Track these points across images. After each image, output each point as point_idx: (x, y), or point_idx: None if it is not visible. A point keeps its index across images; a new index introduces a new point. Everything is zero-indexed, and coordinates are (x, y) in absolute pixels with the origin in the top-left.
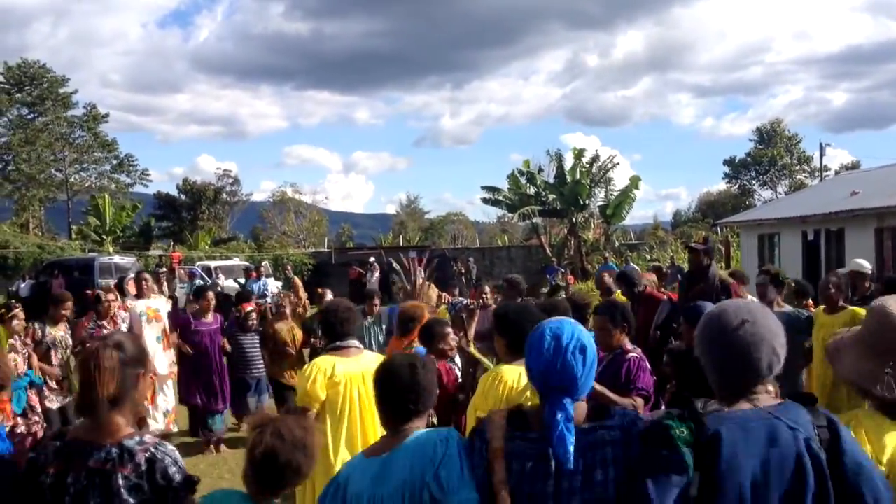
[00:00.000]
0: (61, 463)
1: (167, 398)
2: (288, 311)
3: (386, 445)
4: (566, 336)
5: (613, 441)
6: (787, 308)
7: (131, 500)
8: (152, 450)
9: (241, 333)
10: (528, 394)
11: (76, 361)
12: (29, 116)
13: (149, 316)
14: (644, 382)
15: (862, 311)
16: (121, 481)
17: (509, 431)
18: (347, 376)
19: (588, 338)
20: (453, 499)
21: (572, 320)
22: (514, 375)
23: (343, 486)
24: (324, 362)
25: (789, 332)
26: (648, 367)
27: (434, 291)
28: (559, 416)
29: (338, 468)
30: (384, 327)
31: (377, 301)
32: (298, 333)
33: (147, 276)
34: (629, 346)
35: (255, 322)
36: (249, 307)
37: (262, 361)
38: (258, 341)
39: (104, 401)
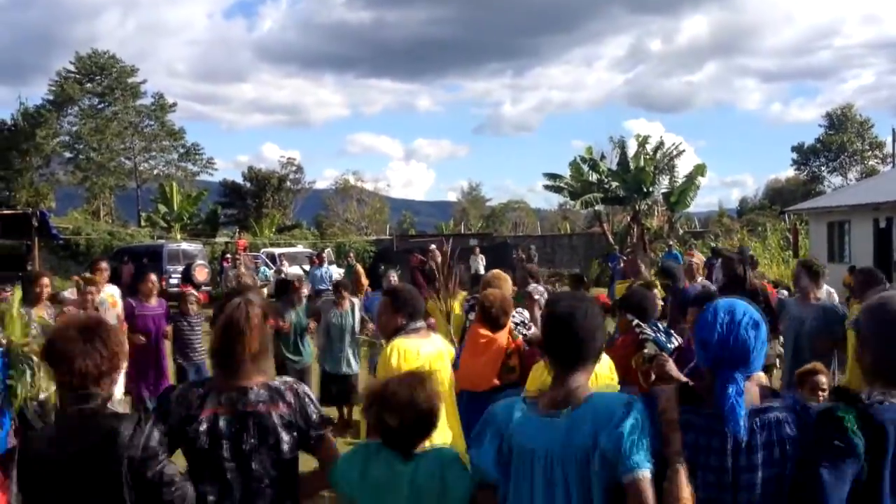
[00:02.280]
0: (212, 408)
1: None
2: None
3: (558, 403)
4: (739, 312)
5: (788, 422)
6: (823, 301)
7: (286, 437)
8: (296, 387)
9: (181, 318)
10: None
11: (219, 317)
12: (99, 106)
13: (109, 303)
14: None
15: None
16: (276, 419)
17: (681, 405)
18: (430, 357)
19: (759, 315)
20: (628, 462)
21: (742, 300)
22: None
23: (507, 434)
24: (404, 344)
25: (825, 323)
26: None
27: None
28: (731, 390)
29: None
30: (358, 316)
31: (347, 294)
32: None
33: (105, 264)
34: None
35: (192, 306)
36: (189, 290)
37: (201, 347)
38: (199, 326)
39: (249, 354)
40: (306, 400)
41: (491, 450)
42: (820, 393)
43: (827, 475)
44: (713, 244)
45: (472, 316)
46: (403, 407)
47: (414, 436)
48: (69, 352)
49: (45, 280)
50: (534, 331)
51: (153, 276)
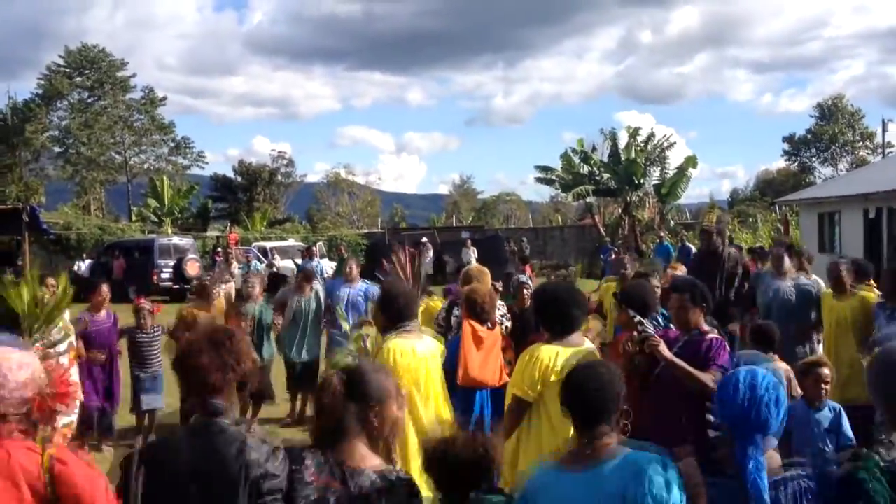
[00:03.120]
0: (327, 479)
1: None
2: (221, 297)
3: (585, 458)
4: (760, 388)
5: (811, 490)
6: (802, 279)
7: None
8: (410, 483)
9: (137, 332)
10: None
11: (321, 388)
12: (89, 100)
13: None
14: (724, 360)
15: (871, 296)
16: None
17: (704, 475)
18: (425, 356)
19: (779, 385)
20: None
21: (763, 369)
22: (552, 355)
23: (532, 497)
24: (400, 344)
25: (802, 302)
26: (728, 347)
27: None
28: (751, 465)
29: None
30: (321, 303)
31: (312, 282)
32: (221, 321)
33: (52, 280)
34: (706, 326)
35: (147, 320)
36: (142, 302)
37: (159, 359)
38: (157, 338)
39: (361, 430)
40: (414, 499)
41: None
42: (823, 385)
43: None
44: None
45: (456, 312)
46: (468, 466)
47: (470, 489)
48: (203, 370)
49: (51, 280)
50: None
51: (105, 288)
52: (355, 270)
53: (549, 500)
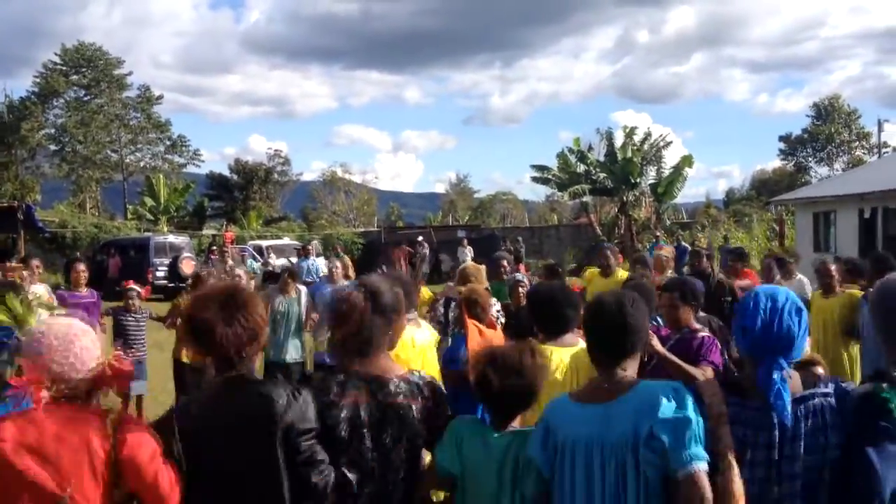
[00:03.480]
0: (354, 396)
1: None
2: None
3: (604, 392)
4: (781, 298)
5: (831, 407)
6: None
7: (423, 432)
8: (433, 385)
9: (124, 313)
10: (558, 375)
11: (345, 302)
12: (85, 98)
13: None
14: (715, 357)
15: (858, 293)
16: (416, 413)
17: (726, 397)
18: (423, 346)
19: (800, 301)
20: (684, 453)
21: (784, 287)
22: (546, 354)
23: (552, 431)
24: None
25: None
26: (719, 346)
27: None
28: (776, 377)
29: None
30: (304, 305)
31: (293, 281)
32: None
33: (37, 261)
34: (697, 325)
35: (135, 301)
36: (131, 284)
37: (144, 343)
38: (143, 322)
39: (389, 344)
40: (441, 399)
41: (538, 441)
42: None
43: (875, 457)
44: (699, 235)
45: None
46: (510, 370)
47: (512, 404)
48: (210, 323)
49: (81, 266)
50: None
51: (81, 266)
52: (341, 270)
53: (567, 434)
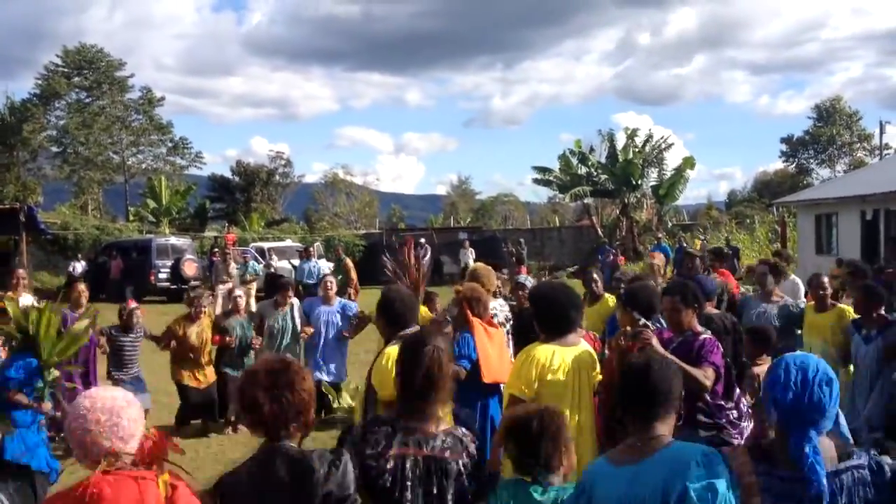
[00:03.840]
0: (400, 447)
1: None
2: (205, 310)
3: (636, 452)
4: (812, 369)
5: (864, 482)
6: (787, 300)
7: (466, 486)
8: (476, 440)
9: (121, 332)
10: (560, 376)
11: (401, 355)
12: (86, 100)
13: None
14: (715, 358)
15: (849, 309)
16: (460, 467)
17: (755, 466)
18: None
19: (830, 370)
20: None
21: (814, 355)
22: (548, 354)
23: (587, 491)
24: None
25: (786, 322)
26: (720, 347)
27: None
28: (808, 449)
29: None
30: (299, 320)
31: (291, 292)
32: (207, 335)
33: (22, 272)
34: (699, 328)
35: (139, 320)
36: (133, 304)
37: (137, 362)
38: (140, 340)
39: (439, 401)
40: (483, 455)
41: (572, 499)
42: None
43: None
44: (701, 236)
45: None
46: (539, 436)
47: (547, 463)
48: (258, 398)
49: (21, 272)
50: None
51: (81, 286)
52: (333, 289)
53: (602, 495)
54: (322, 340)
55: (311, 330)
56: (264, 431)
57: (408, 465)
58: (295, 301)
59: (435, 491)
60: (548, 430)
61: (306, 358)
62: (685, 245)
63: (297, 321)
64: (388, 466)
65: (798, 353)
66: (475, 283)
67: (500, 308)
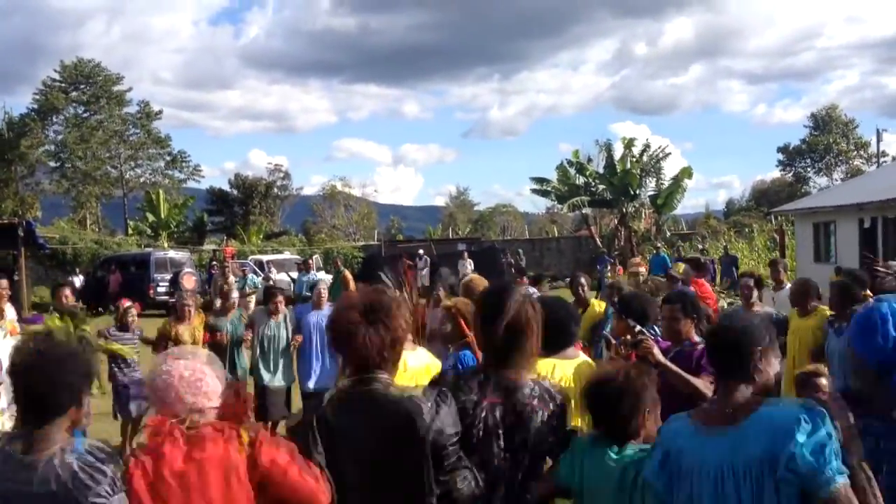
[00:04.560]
0: (490, 397)
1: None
2: (192, 311)
3: (728, 416)
4: None
5: None
6: (768, 309)
7: (551, 438)
8: (561, 393)
9: (118, 333)
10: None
11: (482, 305)
12: (84, 114)
13: (6, 329)
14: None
15: (826, 312)
16: (545, 419)
17: (853, 411)
18: (416, 371)
19: None
20: (827, 471)
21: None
22: (549, 368)
23: (672, 455)
24: None
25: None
26: None
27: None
28: None
29: None
30: (290, 328)
31: (282, 299)
32: (200, 334)
33: (5, 282)
34: (696, 338)
35: (134, 319)
36: (128, 303)
37: (139, 364)
38: (136, 340)
39: (530, 351)
40: (565, 409)
41: (655, 465)
42: (820, 395)
43: None
44: (699, 246)
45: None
46: (620, 393)
47: (626, 423)
48: (352, 325)
49: (4, 282)
50: None
51: (67, 290)
52: (324, 295)
53: (691, 459)
54: (313, 346)
55: (301, 338)
56: (357, 363)
57: (497, 414)
58: (286, 310)
59: (526, 440)
60: (630, 389)
61: (299, 365)
62: (685, 256)
63: (290, 330)
64: (483, 415)
65: (886, 299)
66: (468, 296)
67: None
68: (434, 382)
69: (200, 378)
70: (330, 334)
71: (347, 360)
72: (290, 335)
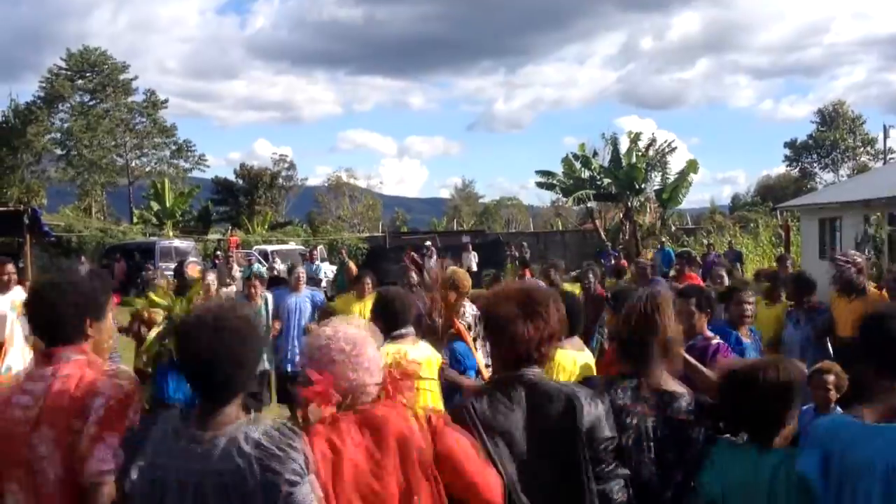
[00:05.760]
0: (641, 406)
1: None
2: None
3: (890, 411)
4: None
5: None
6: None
7: (695, 450)
8: (692, 394)
9: None
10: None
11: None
12: (90, 103)
13: (18, 311)
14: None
15: (785, 305)
16: (700, 435)
17: None
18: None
19: None
20: None
21: None
22: (569, 360)
23: (835, 454)
24: (391, 349)
25: None
26: (732, 354)
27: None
28: None
29: None
30: (269, 314)
31: (259, 285)
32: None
33: (11, 266)
34: (709, 333)
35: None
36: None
37: (118, 354)
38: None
39: (660, 348)
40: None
41: (814, 464)
42: (827, 391)
43: None
44: (704, 240)
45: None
46: (775, 389)
47: (775, 421)
48: (508, 318)
49: (10, 267)
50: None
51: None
52: (302, 278)
53: (859, 457)
54: (291, 328)
55: (280, 324)
56: (512, 357)
57: (649, 424)
58: (268, 294)
59: (674, 454)
60: (780, 384)
61: (278, 348)
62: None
63: (269, 315)
64: (634, 422)
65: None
66: (454, 289)
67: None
68: (587, 382)
69: (361, 352)
70: (484, 326)
71: (501, 353)
72: (269, 320)
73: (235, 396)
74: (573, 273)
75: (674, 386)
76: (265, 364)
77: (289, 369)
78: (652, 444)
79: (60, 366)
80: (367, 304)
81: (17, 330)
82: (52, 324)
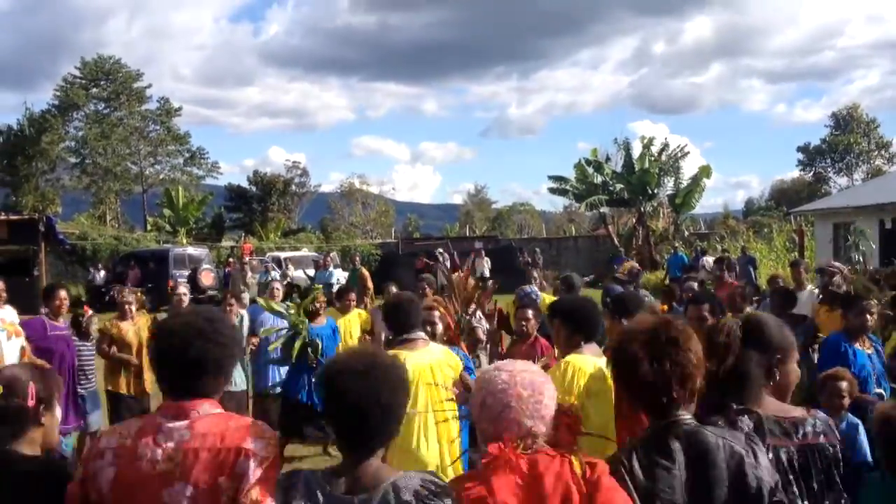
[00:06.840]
0: (771, 438)
1: None
2: (134, 308)
3: None
4: None
5: None
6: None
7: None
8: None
9: (80, 341)
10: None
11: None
12: (104, 111)
13: (8, 331)
14: None
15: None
16: (837, 455)
17: None
18: (417, 369)
19: None
20: None
21: None
22: (590, 365)
23: None
24: (400, 355)
25: None
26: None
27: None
28: None
29: (420, 458)
30: (245, 328)
31: (234, 302)
32: (144, 334)
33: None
34: None
35: (92, 327)
36: (90, 312)
37: (94, 373)
38: (94, 349)
39: (759, 377)
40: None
41: None
42: (839, 398)
43: None
44: (718, 245)
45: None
46: None
47: None
48: (635, 358)
49: (63, 293)
50: None
51: (62, 293)
52: (280, 291)
53: None
54: (268, 345)
55: (257, 340)
56: (646, 404)
57: (784, 457)
58: (243, 311)
59: (819, 481)
60: None
61: (254, 366)
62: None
63: (245, 331)
64: (770, 456)
65: None
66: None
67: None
68: (706, 422)
69: (539, 399)
70: (611, 369)
71: (633, 399)
72: (244, 336)
73: (382, 447)
74: (586, 278)
75: (790, 409)
76: (238, 385)
77: (264, 387)
78: (792, 478)
79: (198, 420)
80: (351, 319)
81: (7, 351)
82: (194, 374)
